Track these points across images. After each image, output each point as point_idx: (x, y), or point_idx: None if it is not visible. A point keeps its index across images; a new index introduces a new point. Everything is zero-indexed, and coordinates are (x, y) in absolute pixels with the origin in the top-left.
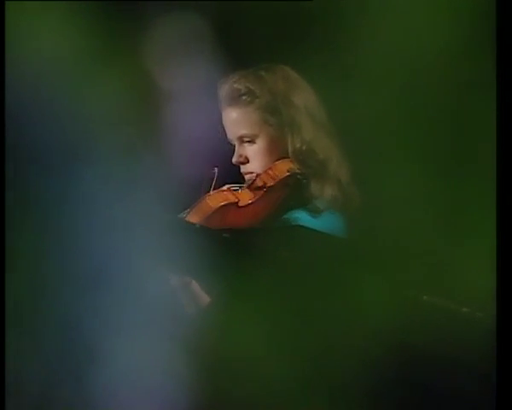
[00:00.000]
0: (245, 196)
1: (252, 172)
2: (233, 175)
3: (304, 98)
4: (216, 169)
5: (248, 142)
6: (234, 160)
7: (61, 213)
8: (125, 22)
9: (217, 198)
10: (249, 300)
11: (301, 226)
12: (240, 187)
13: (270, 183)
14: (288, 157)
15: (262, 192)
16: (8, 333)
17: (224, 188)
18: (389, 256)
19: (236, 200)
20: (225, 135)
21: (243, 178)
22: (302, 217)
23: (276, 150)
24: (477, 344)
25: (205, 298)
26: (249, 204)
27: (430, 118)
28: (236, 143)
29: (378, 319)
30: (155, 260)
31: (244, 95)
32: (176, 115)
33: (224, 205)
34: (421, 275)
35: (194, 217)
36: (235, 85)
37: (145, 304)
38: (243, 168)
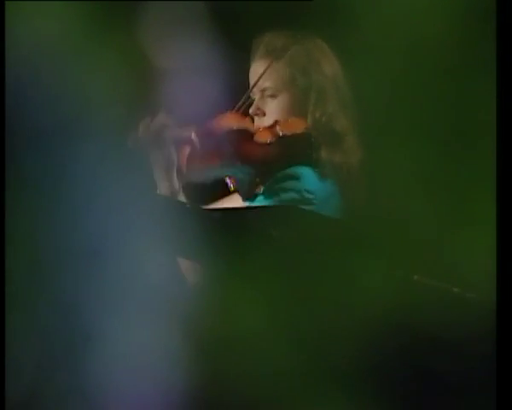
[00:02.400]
0: (263, 134)
1: (259, 127)
2: None
3: (334, 72)
4: None
5: (270, 96)
6: (250, 111)
7: (56, 194)
8: (121, 1)
9: (236, 119)
10: (244, 280)
11: (296, 206)
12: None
13: (287, 132)
14: (303, 118)
15: (278, 138)
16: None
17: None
18: (387, 238)
19: (254, 131)
20: (248, 87)
21: None
22: (305, 173)
23: (295, 111)
24: (476, 326)
25: (199, 277)
26: (264, 143)
27: (431, 102)
28: (257, 96)
29: (376, 301)
30: (151, 241)
31: (279, 50)
32: (172, 94)
33: (239, 130)
34: (420, 257)
35: (208, 129)
36: (271, 39)
37: (141, 285)
38: (257, 121)
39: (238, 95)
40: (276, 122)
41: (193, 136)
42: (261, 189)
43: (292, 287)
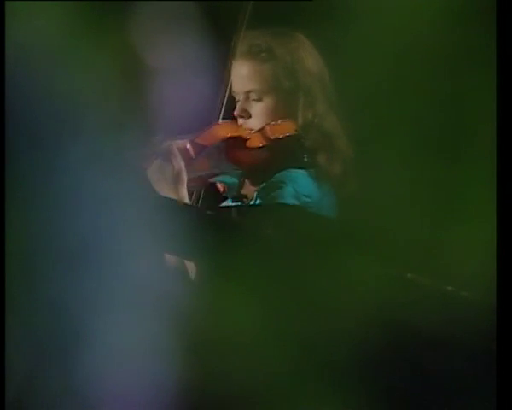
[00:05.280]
0: (255, 139)
1: (251, 129)
2: None
3: (319, 70)
4: None
5: (255, 99)
6: (236, 112)
7: (47, 193)
8: (113, 1)
9: (230, 128)
10: (235, 278)
11: (287, 205)
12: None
13: (279, 135)
14: (292, 120)
15: (270, 141)
16: None
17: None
18: (381, 236)
19: (247, 137)
20: (230, 88)
21: None
22: (297, 177)
23: (281, 113)
24: (470, 325)
25: (191, 276)
26: (256, 148)
27: (425, 98)
28: (241, 98)
29: (370, 300)
30: (143, 239)
31: (263, 52)
32: (163, 92)
33: (233, 137)
34: (414, 256)
35: (203, 139)
36: (256, 41)
37: (133, 284)
38: (243, 123)
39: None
40: (265, 125)
41: (188, 146)
42: (254, 193)
43: (284, 286)
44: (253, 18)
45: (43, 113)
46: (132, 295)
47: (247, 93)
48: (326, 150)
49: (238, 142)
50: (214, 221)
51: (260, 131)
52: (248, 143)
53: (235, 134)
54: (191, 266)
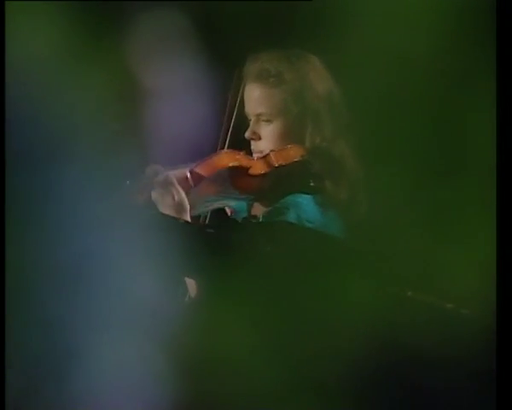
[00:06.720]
0: (257, 166)
1: (261, 151)
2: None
3: (329, 94)
4: None
5: (265, 121)
6: (246, 135)
7: (42, 212)
8: (108, 21)
9: (230, 157)
10: (234, 297)
11: (287, 222)
12: (254, 157)
13: (282, 162)
14: (300, 144)
15: (273, 168)
16: None
17: (241, 152)
18: (379, 254)
19: (248, 166)
20: (242, 108)
21: (251, 154)
22: (301, 202)
23: (291, 136)
24: (470, 343)
25: (188, 294)
26: (259, 175)
27: (430, 120)
28: (252, 119)
29: (368, 318)
30: (138, 258)
31: (273, 77)
32: (158, 113)
33: (234, 166)
34: (413, 274)
35: (202, 169)
36: (266, 65)
37: (127, 302)
38: (253, 145)
39: (227, 115)
40: (270, 152)
41: (188, 176)
42: (260, 217)
43: (281, 305)
44: (263, 38)
45: (38, 134)
46: (127, 313)
47: (258, 116)
48: (333, 175)
49: (240, 169)
50: (213, 239)
51: (264, 158)
52: (250, 171)
53: (235, 164)
54: (187, 284)
